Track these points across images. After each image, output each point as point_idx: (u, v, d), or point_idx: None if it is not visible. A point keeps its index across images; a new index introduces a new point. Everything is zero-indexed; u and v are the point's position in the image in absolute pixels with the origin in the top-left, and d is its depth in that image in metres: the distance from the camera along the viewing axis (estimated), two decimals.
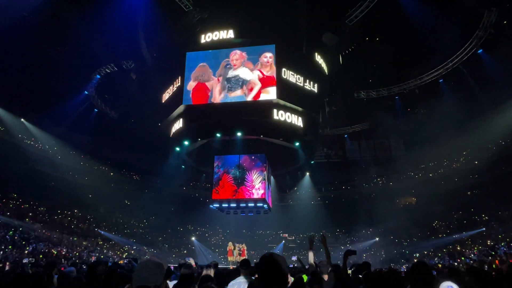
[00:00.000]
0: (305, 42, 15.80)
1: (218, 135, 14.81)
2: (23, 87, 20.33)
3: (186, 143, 15.51)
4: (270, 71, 14.08)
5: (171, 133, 16.00)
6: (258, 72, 14.14)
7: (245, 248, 18.76)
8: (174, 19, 16.89)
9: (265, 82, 14.00)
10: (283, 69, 14.21)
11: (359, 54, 19.11)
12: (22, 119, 21.82)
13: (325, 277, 4.39)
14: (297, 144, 15.23)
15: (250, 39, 15.04)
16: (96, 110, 24.27)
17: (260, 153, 15.85)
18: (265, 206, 16.09)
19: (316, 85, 15.44)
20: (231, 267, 14.00)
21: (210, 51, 15.20)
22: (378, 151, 27.60)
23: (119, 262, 12.37)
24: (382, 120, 22.88)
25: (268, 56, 14.26)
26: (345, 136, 26.99)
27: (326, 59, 17.34)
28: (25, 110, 22.16)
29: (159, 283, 1.83)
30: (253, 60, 14.42)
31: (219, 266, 7.24)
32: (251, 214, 18.16)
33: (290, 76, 14.42)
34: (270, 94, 13.86)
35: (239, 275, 3.84)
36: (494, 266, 10.03)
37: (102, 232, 23.54)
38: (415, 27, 16.60)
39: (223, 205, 15.75)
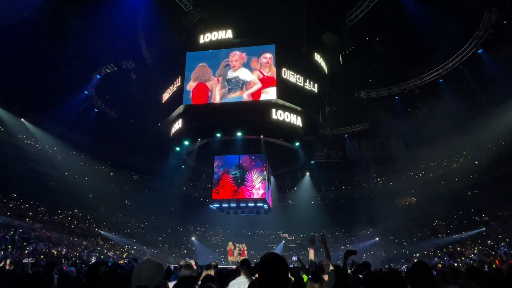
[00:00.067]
0: (305, 42, 15.81)
1: (218, 135, 14.83)
2: (23, 87, 20.32)
3: (186, 143, 15.54)
4: (270, 72, 14.10)
5: (171, 133, 16.00)
6: (258, 73, 14.15)
7: (245, 248, 18.75)
8: (174, 19, 16.89)
9: (265, 82, 14.01)
10: (283, 69, 14.22)
11: (359, 54, 19.11)
12: (22, 119, 21.80)
13: (325, 277, 4.38)
14: (297, 144, 15.25)
15: (250, 39, 15.06)
16: (96, 110, 24.24)
17: (260, 153, 15.85)
18: (265, 206, 16.10)
19: (316, 85, 15.45)
20: (233, 267, 14.00)
21: (210, 51, 15.20)
22: (378, 151, 27.59)
23: (119, 262, 12.35)
24: (382, 120, 22.86)
25: (268, 57, 14.28)
26: (345, 136, 26.97)
27: (326, 59, 17.35)
28: (25, 110, 22.14)
29: (159, 283, 1.82)
30: (253, 60, 14.43)
31: (219, 266, 7.24)
32: (251, 214, 18.16)
33: (290, 76, 14.43)
34: (270, 94, 13.87)
35: (239, 275, 3.85)
36: (494, 266, 10.02)
37: (102, 232, 23.54)
38: (415, 27, 16.60)
39: (223, 205, 15.76)
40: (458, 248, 20.45)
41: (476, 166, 22.25)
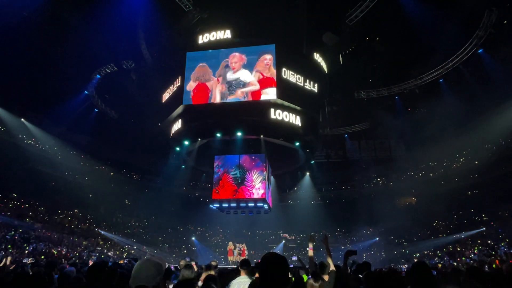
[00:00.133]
0: (305, 42, 15.80)
1: (218, 135, 14.82)
2: (23, 87, 20.33)
3: (186, 143, 15.52)
4: (270, 73, 14.10)
5: (171, 133, 15.99)
6: (259, 74, 14.15)
7: (245, 248, 18.77)
8: (174, 19, 16.90)
9: (265, 83, 14.01)
10: (283, 69, 14.21)
11: (359, 54, 19.10)
12: (22, 119, 21.80)
13: (326, 277, 4.38)
14: (297, 144, 15.24)
15: (250, 39, 15.04)
16: (96, 110, 24.26)
17: (260, 153, 15.85)
18: (265, 206, 16.10)
19: (316, 85, 15.44)
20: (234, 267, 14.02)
21: (210, 51, 15.18)
22: (378, 151, 27.59)
23: (119, 262, 12.35)
24: (382, 120, 22.86)
25: (268, 59, 14.27)
26: (345, 136, 26.96)
27: (326, 59, 17.33)
28: (25, 110, 22.17)
29: (157, 283, 1.82)
30: (253, 60, 14.43)
31: (219, 266, 7.25)
32: (251, 214, 18.17)
33: (290, 76, 14.42)
34: (270, 94, 13.87)
35: (239, 275, 3.85)
36: (494, 266, 10.03)
37: (102, 232, 23.55)
38: (415, 27, 16.58)
39: (223, 205, 15.76)
40: (458, 248, 20.44)
41: (476, 166, 22.21)
